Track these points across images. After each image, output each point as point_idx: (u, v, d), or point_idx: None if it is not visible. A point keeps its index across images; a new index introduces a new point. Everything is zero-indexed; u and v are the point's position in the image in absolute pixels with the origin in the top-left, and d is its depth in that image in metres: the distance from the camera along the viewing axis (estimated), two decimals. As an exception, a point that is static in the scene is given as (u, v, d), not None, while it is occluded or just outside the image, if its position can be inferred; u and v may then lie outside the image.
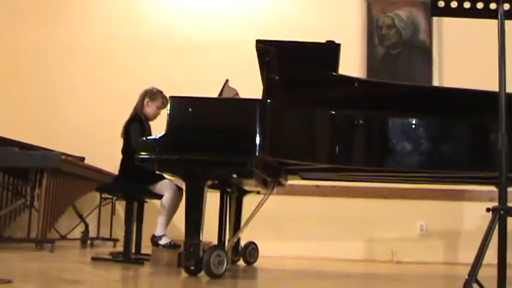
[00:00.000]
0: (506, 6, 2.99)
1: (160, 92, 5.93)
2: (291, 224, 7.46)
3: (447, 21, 7.72)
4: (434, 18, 7.81)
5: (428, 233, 7.43)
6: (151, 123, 5.98)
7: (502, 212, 2.69)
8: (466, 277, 2.61)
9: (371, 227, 7.47)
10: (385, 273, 5.99)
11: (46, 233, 6.40)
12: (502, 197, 2.76)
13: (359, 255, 7.41)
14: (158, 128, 4.67)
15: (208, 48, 8.01)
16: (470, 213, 7.21)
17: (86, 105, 8.13)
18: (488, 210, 2.77)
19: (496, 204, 2.76)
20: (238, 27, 8.04)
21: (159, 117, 5.89)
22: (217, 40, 8.05)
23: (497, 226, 2.71)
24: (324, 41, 4.87)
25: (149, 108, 5.91)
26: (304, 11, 8.06)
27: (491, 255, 2.68)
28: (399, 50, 7.87)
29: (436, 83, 7.59)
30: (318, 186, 7.35)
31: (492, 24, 2.96)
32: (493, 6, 3.01)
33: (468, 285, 2.57)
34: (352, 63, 7.41)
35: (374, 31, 7.90)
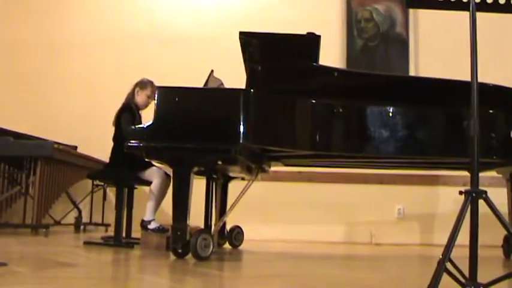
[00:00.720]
0: (478, -1, 2.98)
1: (150, 82, 5.91)
2: (275, 209, 7.46)
3: (423, 15, 7.75)
4: (411, 12, 7.82)
5: (406, 216, 7.45)
6: (143, 113, 5.96)
7: (473, 195, 2.68)
8: (440, 257, 2.60)
9: (351, 211, 7.49)
10: (365, 254, 6.01)
11: (41, 218, 6.41)
12: (474, 181, 2.76)
13: (340, 237, 7.42)
14: (149, 117, 4.65)
15: (195, 41, 7.99)
16: (445, 197, 7.24)
17: (78, 96, 8.10)
18: (460, 193, 2.76)
19: (468, 187, 2.76)
20: (222, 21, 8.02)
21: (149, 106, 5.86)
22: (203, 33, 8.02)
23: (469, 208, 2.70)
24: (304, 33, 4.87)
25: (139, 97, 5.89)
26: (286, 5, 8.04)
27: (464, 237, 2.67)
28: (377, 42, 7.87)
29: (412, 73, 7.60)
30: (300, 172, 7.35)
31: (465, 16, 2.94)
32: (465, -2, 2.99)
33: (441, 264, 2.57)
34: (332, 55, 7.40)
35: (353, 24, 7.89)
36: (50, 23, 8.38)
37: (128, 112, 5.75)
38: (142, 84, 5.93)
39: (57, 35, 8.32)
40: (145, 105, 5.94)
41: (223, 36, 7.38)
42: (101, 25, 8.33)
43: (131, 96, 5.91)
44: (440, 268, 2.57)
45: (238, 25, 5.17)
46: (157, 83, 5.10)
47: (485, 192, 2.70)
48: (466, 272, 2.65)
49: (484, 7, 2.98)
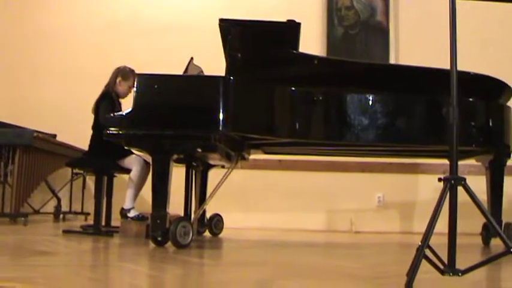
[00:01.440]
0: (457, -14, 2.98)
1: (132, 71, 5.83)
2: (255, 197, 7.47)
3: (403, 3, 7.76)
4: (391, 0, 7.82)
5: (385, 204, 7.48)
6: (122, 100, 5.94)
7: (452, 182, 2.70)
8: (419, 244, 2.62)
9: (331, 199, 7.51)
10: (345, 242, 6.02)
11: (19, 207, 6.36)
12: (453, 168, 2.77)
13: (320, 225, 7.44)
14: (128, 104, 4.64)
15: (174, 29, 7.95)
16: (425, 185, 7.28)
17: (58, 84, 8.05)
18: (439, 180, 2.78)
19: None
20: (202, 9, 7.98)
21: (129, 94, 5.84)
22: (183, 21, 7.98)
23: (448, 195, 2.72)
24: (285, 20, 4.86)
25: (121, 87, 5.85)
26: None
27: (444, 225, 2.69)
28: (357, 30, 7.87)
29: (392, 61, 7.62)
30: (280, 160, 7.35)
31: (444, 4, 2.95)
32: (444, -15, 3.00)
33: (420, 251, 2.58)
34: (312, 43, 7.40)
35: (333, 12, 7.89)
36: (29, 11, 8.30)
37: (108, 100, 5.70)
38: (125, 74, 5.85)
39: (36, 23, 8.25)
40: (126, 95, 5.90)
41: (203, 23, 7.32)
42: (80, 14, 8.26)
43: (112, 84, 5.85)
44: (419, 255, 2.59)
45: (218, 13, 5.15)
46: (137, 71, 5.08)
47: (464, 179, 2.72)
48: (446, 259, 2.67)
49: (463, -5, 2.98)
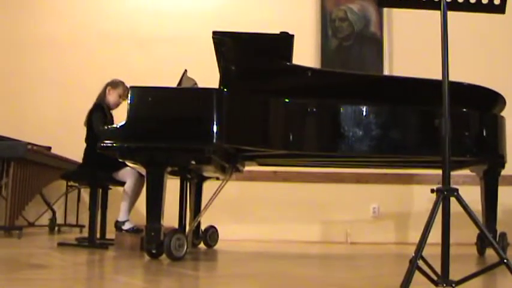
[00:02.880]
0: (449, -2, 3.00)
1: (122, 82, 5.92)
2: (250, 208, 7.47)
3: (397, 14, 7.78)
4: (385, 12, 7.85)
5: (381, 215, 7.48)
6: (114, 113, 5.94)
7: (445, 193, 2.71)
8: (413, 255, 2.62)
9: (327, 210, 7.51)
10: (340, 253, 6.02)
11: (14, 220, 6.33)
12: (445, 179, 2.78)
13: (316, 237, 7.44)
14: (121, 117, 4.65)
15: (168, 41, 7.96)
16: (419, 195, 7.29)
17: (52, 96, 8.04)
18: (432, 191, 2.79)
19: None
20: (196, 21, 7.98)
21: (121, 106, 5.85)
22: (177, 33, 7.99)
23: (441, 206, 2.73)
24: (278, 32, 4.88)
25: (111, 96, 5.89)
26: (260, 5, 8.04)
27: (439, 236, 2.70)
28: (351, 41, 7.89)
29: (386, 72, 7.63)
30: (275, 172, 7.36)
31: (437, 16, 2.97)
32: (436, -3, 3.02)
33: (413, 262, 2.59)
34: (306, 55, 7.43)
35: (327, 24, 7.91)
36: (23, 22, 8.30)
37: (100, 112, 5.73)
38: (114, 83, 5.93)
39: (30, 34, 8.24)
40: (117, 105, 5.93)
41: (196, 36, 7.31)
42: (76, 25, 8.26)
43: (102, 96, 5.91)
44: (413, 266, 2.60)
45: (212, 25, 5.16)
46: (131, 84, 5.09)
47: (457, 190, 2.73)
48: (439, 270, 2.68)
49: (455, 6, 3.00)
